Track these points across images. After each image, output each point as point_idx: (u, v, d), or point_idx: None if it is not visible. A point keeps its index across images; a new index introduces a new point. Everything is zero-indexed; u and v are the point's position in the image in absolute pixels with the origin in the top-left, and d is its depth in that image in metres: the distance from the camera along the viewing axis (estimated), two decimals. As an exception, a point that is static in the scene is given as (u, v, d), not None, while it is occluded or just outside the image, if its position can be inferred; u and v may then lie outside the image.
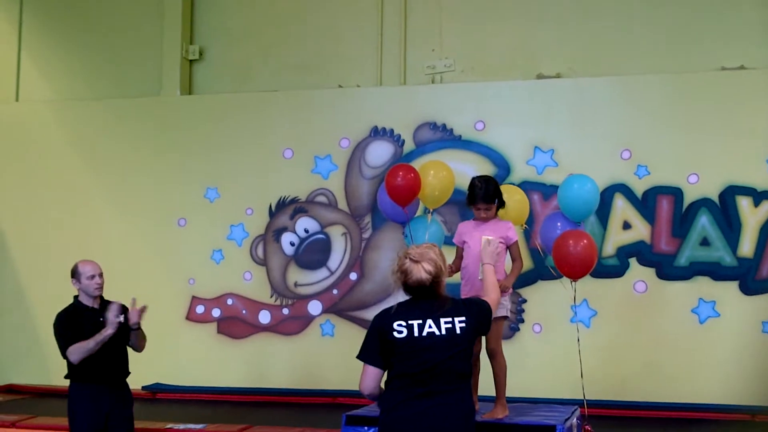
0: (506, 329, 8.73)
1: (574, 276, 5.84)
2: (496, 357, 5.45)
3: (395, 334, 3.95)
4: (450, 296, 4.07)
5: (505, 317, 5.56)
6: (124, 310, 5.44)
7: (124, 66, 10.56)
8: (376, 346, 4.00)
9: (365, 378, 4.04)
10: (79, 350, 5.29)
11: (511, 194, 5.98)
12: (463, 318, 3.96)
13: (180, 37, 10.27)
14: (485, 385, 5.51)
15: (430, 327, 3.93)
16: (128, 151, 10.11)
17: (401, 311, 4.00)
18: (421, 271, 3.96)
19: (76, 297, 5.53)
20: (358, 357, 4.07)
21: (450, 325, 3.94)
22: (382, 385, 4.08)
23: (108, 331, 5.29)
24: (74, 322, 5.39)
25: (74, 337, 5.32)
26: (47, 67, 10.81)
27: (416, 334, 3.92)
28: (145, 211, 9.98)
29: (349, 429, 5.05)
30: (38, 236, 10.21)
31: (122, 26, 10.65)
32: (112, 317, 5.31)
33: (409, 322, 3.94)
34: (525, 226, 6.26)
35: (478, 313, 4.07)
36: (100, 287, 5.49)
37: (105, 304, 5.54)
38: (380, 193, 6.55)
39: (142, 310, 5.47)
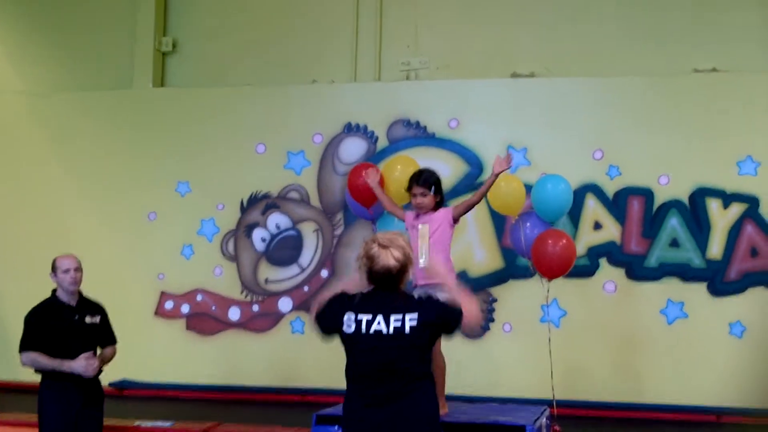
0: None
1: (551, 275, 5.86)
2: (434, 357, 5.46)
3: (344, 327, 3.84)
4: (407, 292, 3.94)
5: None
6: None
7: (96, 58, 10.40)
8: (335, 313, 3.93)
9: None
10: (33, 361, 5.25)
11: (508, 182, 5.98)
12: (415, 315, 3.79)
13: (153, 29, 10.14)
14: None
15: (378, 324, 3.78)
16: (99, 143, 9.98)
17: (359, 303, 3.87)
18: (389, 257, 3.82)
19: (54, 291, 5.45)
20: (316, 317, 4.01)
21: (399, 324, 3.77)
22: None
23: (71, 368, 5.27)
24: (47, 320, 5.32)
25: (39, 340, 5.28)
26: (18, 57, 10.62)
27: (363, 331, 3.79)
28: (115, 204, 9.84)
29: (320, 428, 5.03)
30: (6, 228, 10.05)
31: (94, 17, 10.49)
32: (79, 368, 5.29)
33: (359, 317, 3.81)
34: (517, 217, 6.21)
35: (437, 312, 3.86)
36: (75, 282, 5.41)
37: (83, 301, 5.48)
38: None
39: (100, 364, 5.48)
